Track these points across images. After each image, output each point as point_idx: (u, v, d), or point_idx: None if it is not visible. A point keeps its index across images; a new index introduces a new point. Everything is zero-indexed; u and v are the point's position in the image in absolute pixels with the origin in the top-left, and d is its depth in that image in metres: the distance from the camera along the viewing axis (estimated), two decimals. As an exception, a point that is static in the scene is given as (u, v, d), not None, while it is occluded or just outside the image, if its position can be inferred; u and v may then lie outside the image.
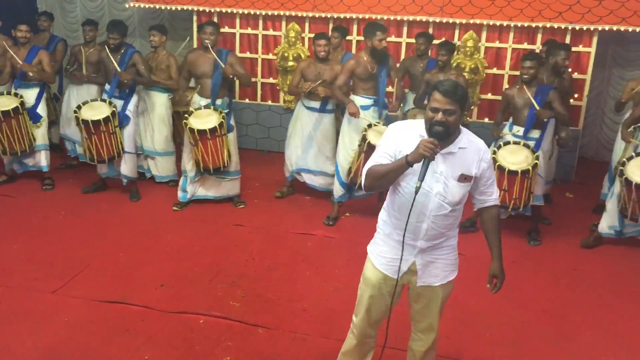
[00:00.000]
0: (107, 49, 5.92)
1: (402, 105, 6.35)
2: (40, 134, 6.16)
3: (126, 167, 6.07)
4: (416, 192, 2.59)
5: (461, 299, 4.39)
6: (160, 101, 6.44)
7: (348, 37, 7.17)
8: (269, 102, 7.80)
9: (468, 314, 4.22)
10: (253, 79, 7.73)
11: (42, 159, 6.22)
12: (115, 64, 5.85)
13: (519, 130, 5.31)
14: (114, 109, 5.83)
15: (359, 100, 5.56)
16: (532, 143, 5.22)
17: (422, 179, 2.58)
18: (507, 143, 5.23)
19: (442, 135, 2.61)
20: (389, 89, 6.02)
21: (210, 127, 5.48)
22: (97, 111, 5.78)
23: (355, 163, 5.44)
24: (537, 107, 5.15)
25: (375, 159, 2.76)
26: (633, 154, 5.01)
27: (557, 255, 5.22)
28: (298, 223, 5.64)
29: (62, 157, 7.16)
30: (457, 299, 4.39)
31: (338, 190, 5.73)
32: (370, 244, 3.07)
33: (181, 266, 4.74)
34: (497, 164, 5.08)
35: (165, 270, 4.67)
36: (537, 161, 5.07)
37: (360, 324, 3.13)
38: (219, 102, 5.71)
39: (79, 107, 5.84)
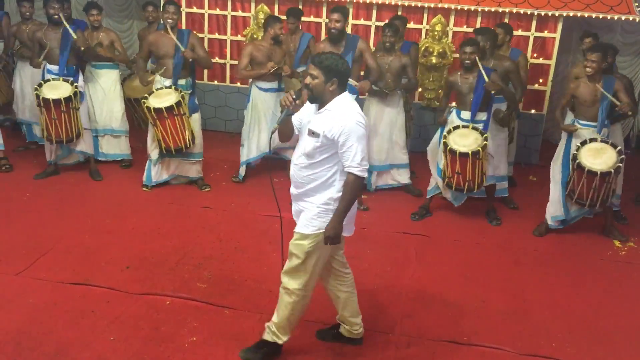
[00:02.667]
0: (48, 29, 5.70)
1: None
2: None
3: (83, 144, 6.00)
4: (272, 133, 3.36)
5: (423, 280, 4.52)
6: (112, 78, 6.34)
7: (316, 20, 7.18)
8: (238, 85, 7.75)
9: (429, 294, 4.33)
10: (222, 61, 7.68)
11: None
12: (70, 30, 5.62)
13: (466, 114, 5.39)
14: (76, 88, 5.72)
15: None
16: (480, 126, 5.31)
17: (278, 122, 3.31)
18: (456, 127, 5.32)
19: (310, 97, 3.20)
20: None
21: (167, 105, 5.43)
22: (59, 90, 5.66)
23: None
24: (487, 79, 5.15)
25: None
26: (587, 139, 5.12)
27: (519, 236, 5.37)
28: (265, 205, 5.66)
29: (22, 139, 7.00)
30: (419, 279, 4.53)
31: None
32: None
33: (147, 248, 4.74)
34: (448, 147, 5.19)
35: (130, 251, 4.66)
36: (486, 142, 5.17)
37: None
38: (182, 82, 5.67)
39: (39, 85, 5.70)
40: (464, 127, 5.31)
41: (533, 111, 7.19)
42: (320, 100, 3.18)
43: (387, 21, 6.21)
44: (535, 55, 6.97)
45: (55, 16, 5.69)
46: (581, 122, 5.22)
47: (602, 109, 5.07)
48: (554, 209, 5.37)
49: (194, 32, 5.84)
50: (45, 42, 5.76)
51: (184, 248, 4.77)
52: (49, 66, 5.90)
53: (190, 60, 5.60)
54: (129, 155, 6.51)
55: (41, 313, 3.82)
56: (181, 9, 7.31)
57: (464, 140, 5.22)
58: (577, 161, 5.02)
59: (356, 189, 3.19)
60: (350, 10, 7.13)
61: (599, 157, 5.00)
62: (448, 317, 4.05)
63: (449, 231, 5.40)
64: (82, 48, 5.74)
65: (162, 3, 7.39)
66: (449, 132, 5.31)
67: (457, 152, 5.16)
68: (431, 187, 5.69)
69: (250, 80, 6.08)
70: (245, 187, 6.12)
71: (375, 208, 5.78)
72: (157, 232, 5.02)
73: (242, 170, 6.22)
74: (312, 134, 3.17)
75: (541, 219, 5.52)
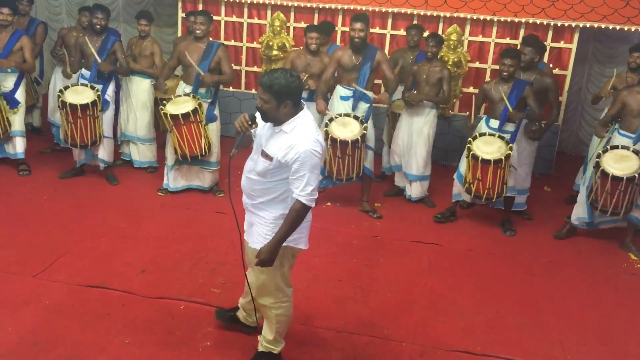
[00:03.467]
0: (86, 39, 5.89)
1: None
2: (17, 120, 6.07)
3: (104, 152, 6.08)
4: (230, 158, 3.11)
5: (436, 289, 4.52)
6: (142, 87, 6.43)
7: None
8: (253, 91, 7.81)
9: (442, 303, 4.32)
10: (237, 67, 7.74)
11: (18, 145, 6.14)
12: (95, 54, 5.83)
13: (495, 123, 5.40)
14: (99, 93, 5.81)
15: (341, 90, 5.70)
16: (507, 136, 5.31)
17: (236, 147, 3.11)
18: (482, 134, 5.34)
19: (262, 117, 3.08)
20: (379, 81, 6.08)
21: (183, 112, 5.49)
22: (82, 95, 5.76)
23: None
24: (510, 109, 5.23)
25: None
26: (608, 146, 5.13)
27: (532, 247, 5.35)
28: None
29: (47, 141, 7.09)
30: (432, 288, 4.52)
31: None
32: None
33: (162, 253, 4.78)
34: (471, 152, 5.20)
35: (146, 256, 4.70)
36: (510, 152, 5.17)
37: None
38: (202, 90, 5.72)
39: (64, 89, 5.81)
40: (490, 134, 5.32)
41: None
42: (274, 120, 3.06)
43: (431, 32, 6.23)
44: (551, 65, 6.95)
45: (98, 26, 5.90)
46: (621, 131, 5.23)
47: None
48: (580, 210, 5.38)
49: (224, 45, 5.84)
50: (86, 50, 5.91)
51: (199, 253, 4.80)
52: (84, 71, 6.07)
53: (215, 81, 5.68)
54: (155, 162, 6.61)
55: (57, 315, 3.87)
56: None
57: (488, 148, 5.23)
58: (601, 168, 5.03)
59: (301, 217, 3.09)
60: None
61: (622, 162, 5.00)
62: (461, 327, 4.04)
63: (462, 241, 5.39)
64: (106, 73, 5.94)
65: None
66: (475, 138, 5.32)
67: (480, 158, 5.16)
68: (455, 192, 5.70)
69: None
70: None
71: (388, 216, 5.79)
72: (172, 237, 5.06)
73: None
74: (265, 156, 3.08)
75: (557, 227, 5.53)
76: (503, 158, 5.12)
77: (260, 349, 3.51)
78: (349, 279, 4.58)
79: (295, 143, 2.99)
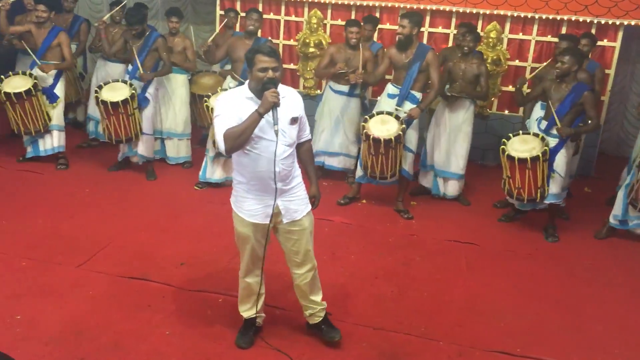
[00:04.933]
0: (133, 48, 6.02)
1: None
2: (56, 115, 6.24)
3: (143, 148, 6.19)
4: (277, 135, 3.08)
5: (474, 289, 4.47)
6: (180, 82, 6.52)
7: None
8: (290, 88, 7.82)
9: (480, 303, 4.27)
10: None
11: (56, 139, 6.30)
12: (139, 62, 5.96)
13: (544, 125, 5.27)
14: (134, 91, 5.92)
15: (390, 88, 5.70)
16: (555, 140, 5.17)
17: (277, 122, 3.06)
18: (516, 134, 5.26)
19: (276, 86, 3.11)
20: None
21: None
22: (118, 92, 5.88)
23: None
24: (559, 124, 5.10)
25: (224, 125, 3.09)
26: None
27: (572, 248, 5.24)
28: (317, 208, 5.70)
29: (85, 135, 7.27)
30: (470, 288, 4.48)
31: (359, 171, 5.80)
32: (232, 204, 3.49)
33: (200, 246, 4.84)
34: (506, 153, 5.11)
35: (184, 249, 4.77)
36: (546, 148, 5.06)
37: (247, 268, 3.54)
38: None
39: (99, 87, 5.95)
40: (524, 133, 5.24)
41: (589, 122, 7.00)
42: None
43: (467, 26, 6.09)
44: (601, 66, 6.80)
45: (134, 34, 6.02)
46: None
47: None
48: (617, 207, 5.28)
49: (270, 39, 6.05)
50: (131, 46, 6.06)
51: (236, 248, 4.80)
52: (129, 67, 6.20)
53: None
54: (190, 158, 6.71)
55: (100, 305, 3.96)
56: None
57: (524, 146, 5.13)
58: None
59: None
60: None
61: None
62: (500, 328, 3.99)
63: (500, 241, 5.32)
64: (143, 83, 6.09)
65: (230, 9, 7.59)
66: (508, 138, 5.23)
67: (516, 158, 5.06)
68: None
69: (325, 81, 6.27)
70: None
71: (424, 215, 5.75)
72: (210, 232, 5.12)
73: None
74: (293, 120, 3.26)
75: (596, 229, 5.46)
76: (540, 155, 5.02)
77: (323, 315, 3.69)
78: (385, 277, 4.57)
79: (294, 96, 3.31)
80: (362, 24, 6.12)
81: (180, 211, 5.52)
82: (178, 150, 6.68)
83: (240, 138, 3.06)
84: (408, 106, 5.57)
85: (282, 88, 3.20)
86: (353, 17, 7.05)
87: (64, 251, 4.62)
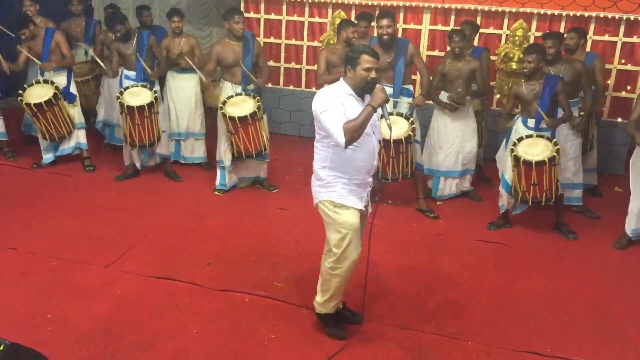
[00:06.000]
0: (122, 49, 6.05)
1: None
2: (77, 114, 6.36)
3: (161, 146, 6.25)
4: (390, 129, 3.37)
5: (502, 288, 4.41)
6: (192, 83, 6.54)
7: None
8: (313, 89, 7.84)
9: (509, 303, 4.21)
10: (298, 66, 7.80)
11: (81, 137, 6.41)
12: (142, 62, 6.00)
13: (532, 122, 5.20)
14: (156, 93, 5.97)
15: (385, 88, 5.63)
16: (546, 133, 5.13)
17: (387, 117, 3.35)
18: (520, 139, 5.14)
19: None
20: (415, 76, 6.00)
21: (251, 112, 5.56)
22: (140, 97, 5.91)
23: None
24: (546, 118, 5.07)
25: (338, 120, 3.25)
26: None
27: (602, 248, 5.13)
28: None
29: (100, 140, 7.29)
30: (498, 288, 4.42)
31: None
32: (333, 200, 3.50)
33: (226, 247, 4.87)
34: (521, 159, 4.98)
35: (210, 249, 4.80)
36: (558, 146, 4.99)
37: (351, 254, 3.58)
38: (250, 87, 5.81)
39: (121, 93, 5.95)
40: (527, 137, 5.14)
41: (619, 119, 6.86)
42: None
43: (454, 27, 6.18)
44: (623, 61, 6.68)
45: (119, 35, 6.04)
46: None
47: None
48: (633, 220, 5.10)
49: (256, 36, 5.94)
50: (123, 51, 6.07)
51: (261, 248, 4.86)
52: (126, 72, 6.20)
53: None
54: (206, 158, 6.74)
55: (128, 304, 4.00)
56: (260, 16, 7.56)
57: (535, 149, 5.05)
58: None
59: None
60: (428, 17, 7.10)
61: None
62: (529, 328, 3.92)
63: (528, 241, 5.24)
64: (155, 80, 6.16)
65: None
66: (515, 144, 5.12)
67: (533, 162, 4.96)
68: (501, 203, 5.46)
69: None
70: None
71: (450, 215, 5.69)
72: (235, 232, 5.14)
73: None
74: (381, 117, 3.45)
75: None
76: (555, 154, 4.94)
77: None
78: (412, 276, 4.53)
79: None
80: (357, 22, 6.10)
81: (206, 212, 5.56)
82: (193, 149, 6.71)
83: (359, 131, 3.26)
84: (405, 100, 5.56)
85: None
86: (355, 17, 6.99)
87: (93, 251, 4.69)
